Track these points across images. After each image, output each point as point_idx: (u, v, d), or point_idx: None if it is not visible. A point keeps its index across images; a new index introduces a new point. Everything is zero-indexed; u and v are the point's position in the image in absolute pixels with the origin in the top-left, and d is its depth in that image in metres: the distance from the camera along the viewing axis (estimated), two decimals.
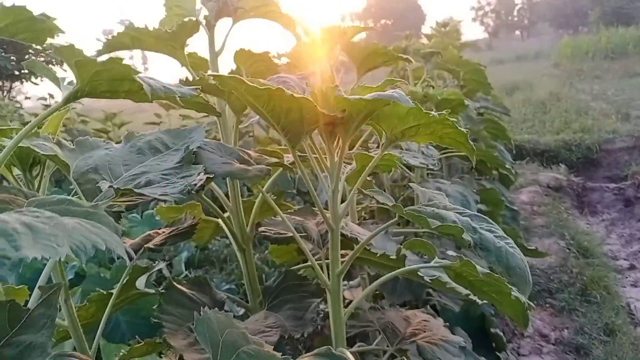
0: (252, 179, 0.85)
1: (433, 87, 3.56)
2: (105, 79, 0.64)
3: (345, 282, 1.99)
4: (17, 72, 14.07)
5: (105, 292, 1.09)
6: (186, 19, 1.22)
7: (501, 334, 2.25)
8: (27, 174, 0.85)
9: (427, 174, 2.44)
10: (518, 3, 56.01)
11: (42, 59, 14.65)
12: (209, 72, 1.32)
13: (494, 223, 0.82)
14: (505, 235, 0.79)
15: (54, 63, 15.18)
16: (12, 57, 13.27)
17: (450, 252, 1.07)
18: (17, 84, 14.89)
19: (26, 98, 13.18)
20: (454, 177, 2.76)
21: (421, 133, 0.93)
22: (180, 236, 1.08)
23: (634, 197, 5.50)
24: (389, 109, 0.87)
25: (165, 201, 0.78)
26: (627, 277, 3.78)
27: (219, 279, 3.72)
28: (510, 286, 0.85)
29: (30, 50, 14.60)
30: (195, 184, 0.74)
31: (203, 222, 1.52)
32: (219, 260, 4.22)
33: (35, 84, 15.00)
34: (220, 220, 1.30)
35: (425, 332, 1.22)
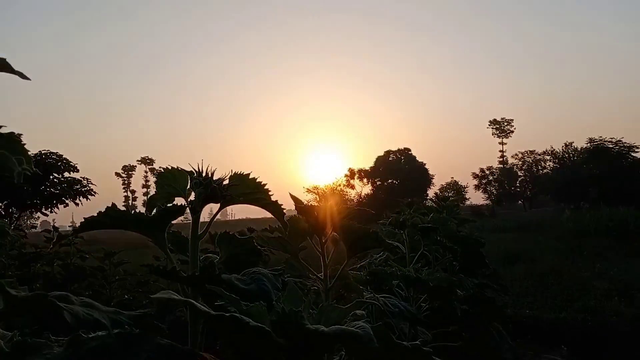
0: None
1: (430, 262, 3.52)
2: None
3: None
4: (28, 202, 14.32)
5: None
6: (170, 204, 1.22)
7: None
8: None
9: None
10: (521, 175, 58.24)
11: (58, 190, 15.05)
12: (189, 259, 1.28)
13: None
14: None
15: (67, 197, 15.55)
16: (26, 188, 13.60)
17: None
18: (26, 213, 15.12)
19: (32, 227, 13.30)
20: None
21: None
22: None
23: None
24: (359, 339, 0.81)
25: None
26: None
27: None
28: None
29: (47, 182, 15.05)
30: None
31: None
32: None
33: (45, 214, 15.20)
34: None
35: None
